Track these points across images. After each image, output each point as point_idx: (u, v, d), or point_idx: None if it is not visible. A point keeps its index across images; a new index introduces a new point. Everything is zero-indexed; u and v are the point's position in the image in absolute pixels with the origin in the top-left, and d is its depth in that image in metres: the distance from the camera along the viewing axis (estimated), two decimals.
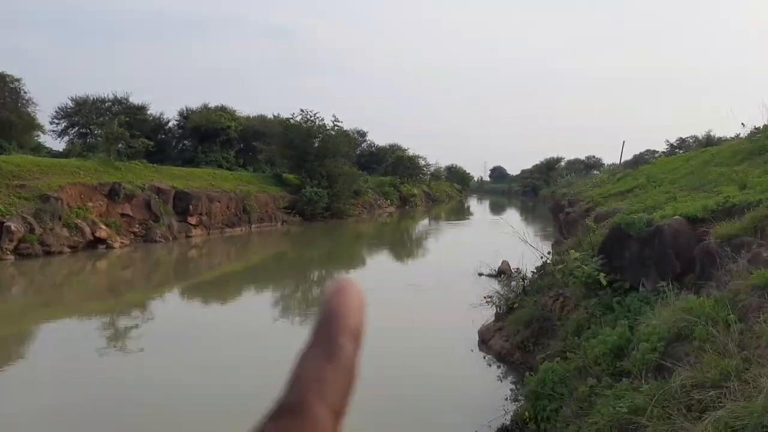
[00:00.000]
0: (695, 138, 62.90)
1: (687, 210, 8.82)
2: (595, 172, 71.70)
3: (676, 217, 8.62)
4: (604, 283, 8.70)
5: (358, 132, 70.15)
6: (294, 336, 13.00)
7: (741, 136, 18.95)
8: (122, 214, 26.77)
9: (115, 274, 21.31)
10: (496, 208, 73.91)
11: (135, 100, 48.05)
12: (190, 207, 30.29)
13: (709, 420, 3.95)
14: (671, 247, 8.04)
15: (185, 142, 51.92)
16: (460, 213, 64.89)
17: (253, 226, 35.10)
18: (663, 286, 7.28)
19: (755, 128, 16.97)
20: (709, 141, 54.83)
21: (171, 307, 16.37)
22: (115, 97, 47.28)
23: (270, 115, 54.69)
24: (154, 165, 33.63)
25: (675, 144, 63.84)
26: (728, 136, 40.16)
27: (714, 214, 8.21)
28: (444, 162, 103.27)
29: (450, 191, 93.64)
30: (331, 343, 0.39)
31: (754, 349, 4.66)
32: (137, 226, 27.36)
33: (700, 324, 5.39)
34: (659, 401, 4.72)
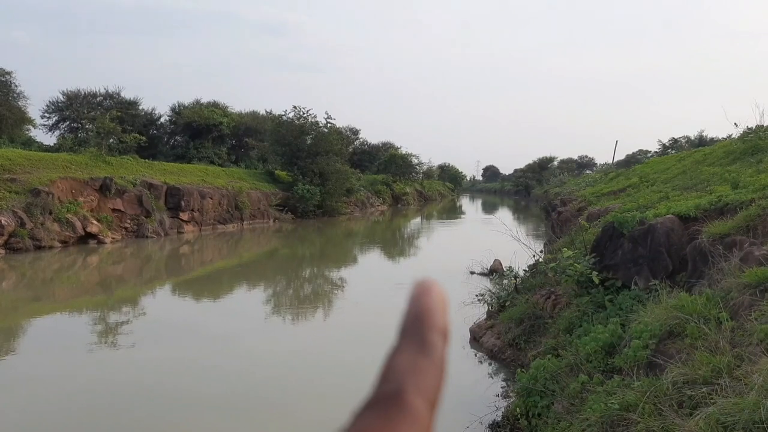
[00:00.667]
0: (688, 138, 63.32)
1: (680, 209, 8.85)
2: (588, 171, 72.06)
3: (669, 215, 8.65)
4: (597, 281, 8.72)
5: (351, 130, 70.06)
6: (286, 333, 12.98)
7: (733, 136, 19.06)
8: (113, 210, 26.63)
9: (106, 269, 21.20)
10: (489, 207, 74.02)
11: (127, 95, 47.88)
12: (182, 203, 30.17)
13: (701, 416, 3.96)
14: (664, 245, 8.07)
15: (177, 137, 51.69)
16: (453, 212, 64.93)
17: (245, 222, 35.01)
18: (655, 284, 7.30)
19: (748, 128, 17.08)
20: (701, 141, 55.23)
21: (163, 303, 16.29)
22: (107, 91, 47.06)
23: (262, 112, 54.59)
24: (146, 160, 33.49)
25: (667, 144, 64.22)
26: (721, 137, 40.41)
27: (706, 213, 8.25)
28: (437, 161, 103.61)
29: (442, 190, 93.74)
30: (423, 339, 0.40)
31: (745, 346, 4.68)
32: (129, 221, 27.22)
33: (691, 322, 5.40)
34: (651, 398, 4.72)
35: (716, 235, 7.18)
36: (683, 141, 62.81)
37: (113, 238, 25.53)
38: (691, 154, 23.17)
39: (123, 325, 13.24)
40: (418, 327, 0.41)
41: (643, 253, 8.24)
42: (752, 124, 16.99)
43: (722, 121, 60.01)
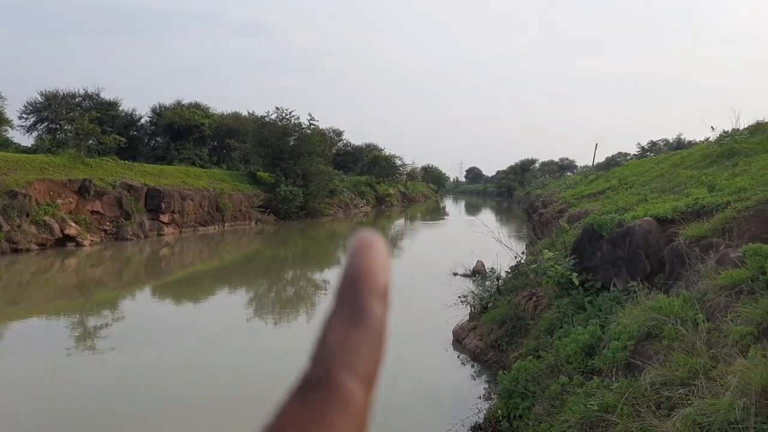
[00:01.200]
0: (666, 141, 64.09)
1: (657, 211, 8.96)
2: (569, 173, 72.66)
3: (647, 218, 8.75)
4: (577, 282, 8.80)
5: (334, 131, 69.95)
6: (268, 336, 12.92)
7: (710, 139, 19.34)
8: (92, 212, 26.33)
9: (84, 272, 20.95)
10: (472, 209, 74.29)
11: (107, 95, 47.33)
12: (162, 205, 29.91)
13: (678, 417, 4.01)
14: (642, 247, 8.17)
15: (158, 139, 51.22)
16: (436, 213, 65.09)
17: (226, 224, 34.80)
18: (633, 285, 7.38)
19: (724, 132, 17.34)
20: (679, 144, 55.92)
21: (143, 306, 16.14)
22: (86, 92, 46.48)
23: (245, 113, 54.32)
24: (126, 162, 33.13)
25: (646, 147, 64.92)
26: (698, 140, 40.96)
27: (683, 216, 8.36)
28: (420, 162, 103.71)
29: (426, 191, 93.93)
30: (357, 306, 0.35)
31: (721, 347, 4.75)
32: (108, 223, 26.93)
33: (669, 323, 5.47)
34: (629, 399, 4.78)
35: (693, 237, 7.28)
36: (662, 144, 63.58)
37: (92, 241, 25.24)
38: (669, 157, 23.47)
39: (102, 328, 13.10)
40: (353, 291, 0.36)
41: (621, 254, 8.34)
42: (728, 128, 17.28)
43: (700, 124, 60.92)
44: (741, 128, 16.73)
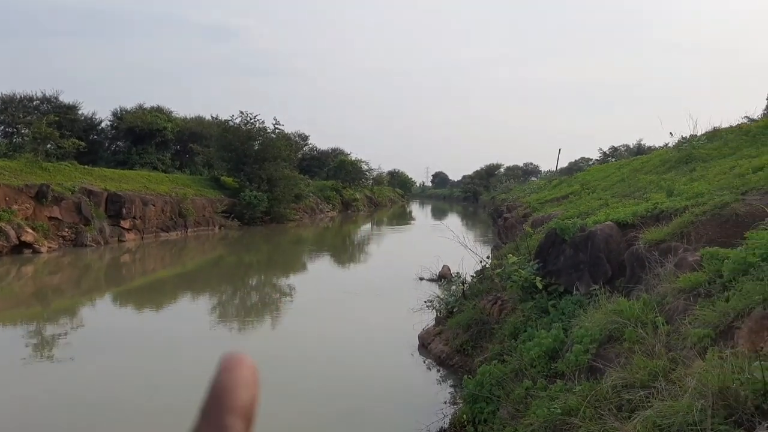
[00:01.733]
0: (627, 146, 65.50)
1: (618, 215, 9.11)
2: (533, 178, 73.62)
3: (608, 222, 8.89)
4: (540, 286, 8.89)
5: (300, 135, 69.72)
6: (232, 343, 12.73)
7: (669, 145, 19.80)
8: (50, 218, 25.66)
9: (42, 279, 20.39)
10: (438, 213, 74.70)
11: (66, 98, 46.24)
12: (123, 210, 29.34)
13: (638, 419, 4.06)
14: (603, 251, 8.29)
15: (119, 143, 50.25)
16: (403, 218, 65.26)
17: (189, 230, 34.30)
18: (595, 289, 7.49)
19: (682, 138, 17.76)
20: (639, 150, 57.19)
21: (102, 313, 15.77)
22: (44, 95, 45.35)
23: (208, 117, 53.66)
24: (86, 166, 32.44)
25: (608, 152, 66.20)
26: (658, 145, 41.93)
27: (643, 220, 8.52)
28: (387, 167, 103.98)
29: (392, 196, 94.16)
30: (218, 425, 0.36)
31: (680, 350, 4.83)
32: (66, 229, 26.28)
33: (629, 326, 5.55)
34: (591, 402, 4.83)
35: (652, 241, 7.41)
36: (623, 149, 64.95)
37: (50, 248, 24.59)
38: (629, 162, 23.95)
39: (60, 337, 12.76)
40: (216, 409, 0.37)
41: (583, 258, 8.45)
42: (686, 134, 17.70)
43: (659, 130, 62.48)
44: (698, 134, 17.16)
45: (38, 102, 45.27)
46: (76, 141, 31.63)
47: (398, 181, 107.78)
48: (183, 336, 12.70)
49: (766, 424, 3.31)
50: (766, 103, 42.18)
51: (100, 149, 48.11)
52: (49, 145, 30.33)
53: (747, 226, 6.52)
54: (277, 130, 45.09)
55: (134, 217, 30.22)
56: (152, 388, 9.29)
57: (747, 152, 12.83)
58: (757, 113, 28.43)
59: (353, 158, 69.67)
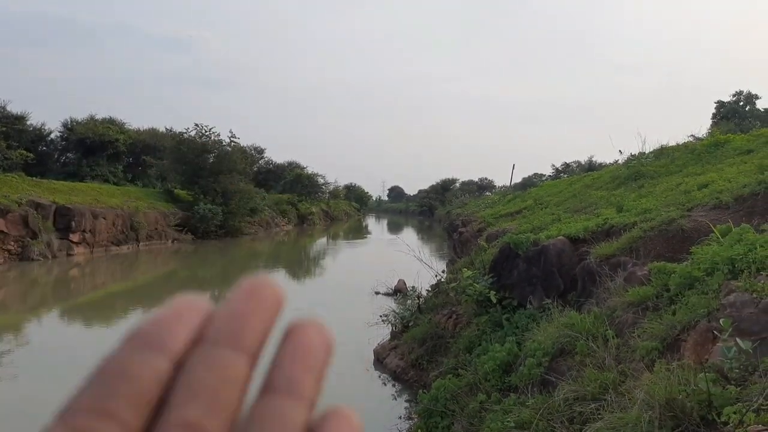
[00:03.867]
0: (579, 163, 67.05)
1: (570, 230, 9.28)
2: (488, 193, 74.58)
3: (560, 237, 9.06)
4: (494, 300, 8.97)
5: (256, 149, 69.01)
6: None
7: (619, 162, 20.35)
8: None
9: None
10: (394, 228, 74.90)
11: (14, 108, 44.76)
12: (73, 223, 28.47)
13: (589, 431, 4.13)
14: (555, 265, 8.43)
15: (69, 154, 48.83)
16: (359, 232, 65.20)
17: (141, 244, 33.50)
18: (548, 303, 7.60)
19: (631, 155, 18.28)
20: (591, 166, 58.59)
21: (49, 330, 15.23)
22: None
23: (162, 129, 52.72)
24: (34, 178, 31.43)
25: (560, 168, 67.68)
26: (608, 162, 43.09)
27: (594, 235, 8.71)
28: (343, 180, 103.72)
29: (349, 210, 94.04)
30: (211, 359, 0.31)
31: (629, 362, 4.94)
32: (12, 243, 25.33)
33: (581, 339, 5.65)
34: (544, 415, 4.88)
35: (603, 256, 7.58)
36: (575, 165, 66.49)
37: None
38: (581, 178, 24.49)
39: (4, 354, 12.25)
40: (212, 339, 0.33)
41: (536, 273, 8.58)
42: (635, 152, 18.23)
43: (610, 147, 64.03)
44: (647, 152, 17.67)
45: None
46: (24, 152, 30.72)
47: (354, 194, 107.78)
48: None
49: None
50: (710, 122, 44.04)
51: (49, 161, 46.68)
52: None
53: (692, 241, 6.73)
54: (232, 143, 44.67)
55: (84, 231, 29.37)
56: None
57: (693, 170, 13.27)
58: (702, 132, 29.59)
59: (309, 172, 69.48)
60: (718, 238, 6.16)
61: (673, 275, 5.62)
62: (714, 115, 46.26)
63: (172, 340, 0.31)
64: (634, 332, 5.31)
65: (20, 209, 26.04)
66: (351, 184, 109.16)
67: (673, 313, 5.07)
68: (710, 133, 22.51)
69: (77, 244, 28.85)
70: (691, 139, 21.83)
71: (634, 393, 4.16)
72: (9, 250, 25.12)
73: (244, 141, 54.67)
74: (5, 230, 25.10)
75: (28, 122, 45.45)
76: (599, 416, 4.30)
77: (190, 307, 0.35)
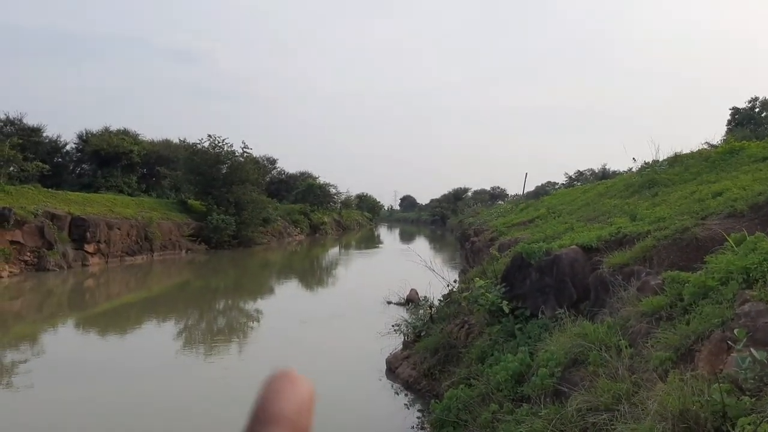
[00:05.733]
0: (592, 171, 66.73)
1: (583, 240, 9.24)
2: (500, 202, 74.39)
3: (573, 246, 9.02)
4: (507, 310, 8.94)
5: (268, 159, 69.47)
6: (198, 370, 12.50)
7: (633, 170, 20.22)
8: (12, 242, 25.01)
9: (2, 305, 19.79)
10: (406, 237, 74.84)
11: (30, 121, 45.40)
12: (88, 234, 28.78)
13: None
14: (568, 275, 8.39)
15: (84, 166, 49.40)
16: (371, 241, 65.22)
17: (155, 254, 33.76)
18: (561, 313, 7.56)
19: (645, 163, 18.15)
20: (604, 174, 58.30)
21: (65, 340, 15.34)
22: (8, 117, 44.41)
23: (176, 140, 53.20)
24: (49, 189, 31.83)
25: (573, 176, 67.39)
26: (622, 170, 42.84)
27: (607, 244, 8.66)
28: (355, 190, 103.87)
29: (361, 219, 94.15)
30: None
31: (642, 372, 4.90)
32: (29, 253, 25.64)
33: (594, 349, 5.62)
34: (557, 425, 4.85)
35: (616, 265, 7.54)
36: (588, 173, 66.20)
37: (11, 272, 23.94)
38: (594, 186, 24.37)
39: (21, 364, 12.37)
40: (258, 420, 0.35)
41: (549, 282, 8.54)
42: (649, 159, 18.11)
43: (623, 155, 63.86)
44: (660, 159, 17.54)
45: (1, 124, 44.36)
46: (40, 164, 31.10)
47: (366, 204, 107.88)
48: (147, 363, 12.42)
49: None
50: (725, 129, 43.68)
51: (64, 172, 47.26)
52: (12, 168, 29.74)
53: (707, 250, 6.67)
54: (245, 154, 44.99)
55: (99, 241, 29.65)
56: (116, 416, 9.05)
57: (707, 178, 13.15)
58: (716, 139, 29.35)
59: (321, 182, 69.78)
60: (732, 247, 6.11)
61: (687, 285, 5.58)
62: (729, 122, 45.86)
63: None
64: (647, 342, 5.27)
65: (36, 220, 26.35)
66: (363, 193, 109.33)
67: (687, 323, 5.03)
68: (725, 140, 22.34)
69: (92, 254, 29.13)
70: (705, 146, 21.64)
71: (648, 404, 4.13)
72: (25, 261, 25.41)
73: (257, 151, 55.00)
74: (22, 241, 25.40)
75: (44, 134, 46.14)
76: (612, 427, 4.27)
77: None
